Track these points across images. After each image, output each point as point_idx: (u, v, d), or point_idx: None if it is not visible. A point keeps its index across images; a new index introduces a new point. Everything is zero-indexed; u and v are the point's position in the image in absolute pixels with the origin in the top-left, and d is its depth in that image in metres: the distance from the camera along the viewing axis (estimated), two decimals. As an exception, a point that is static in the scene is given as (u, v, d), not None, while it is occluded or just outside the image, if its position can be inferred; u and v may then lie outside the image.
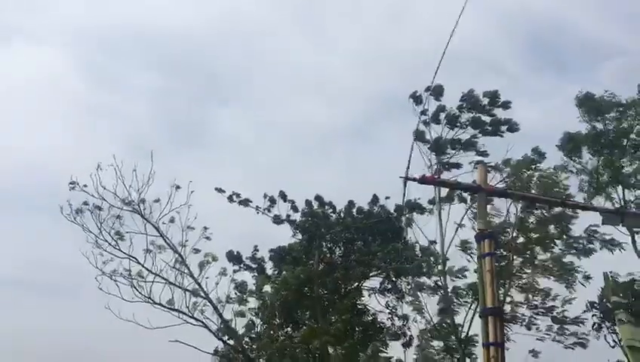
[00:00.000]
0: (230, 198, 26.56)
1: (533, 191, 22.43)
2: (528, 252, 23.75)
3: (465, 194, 23.51)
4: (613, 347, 22.07)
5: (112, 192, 25.12)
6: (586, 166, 25.66)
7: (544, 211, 23.39)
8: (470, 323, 23.61)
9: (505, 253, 23.28)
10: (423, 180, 11.53)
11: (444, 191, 24.40)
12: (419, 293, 25.13)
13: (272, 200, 26.46)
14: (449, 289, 24.44)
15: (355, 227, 26.13)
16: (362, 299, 25.96)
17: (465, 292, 23.98)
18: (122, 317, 23.72)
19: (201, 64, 63.83)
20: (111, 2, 61.68)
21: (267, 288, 26.25)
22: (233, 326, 25.61)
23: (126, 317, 23.72)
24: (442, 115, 25.40)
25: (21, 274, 42.60)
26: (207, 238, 25.52)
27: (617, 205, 24.15)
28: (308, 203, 26.57)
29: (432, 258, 25.08)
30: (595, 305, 23.26)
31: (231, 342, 25.90)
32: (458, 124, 25.25)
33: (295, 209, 26.59)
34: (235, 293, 26.18)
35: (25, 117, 52.41)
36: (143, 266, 25.15)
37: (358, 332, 25.22)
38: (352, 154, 52.80)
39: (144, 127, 55.50)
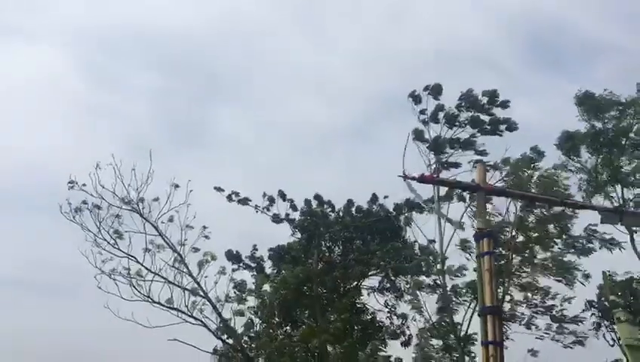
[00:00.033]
0: (229, 197, 26.56)
1: (533, 191, 22.43)
2: (527, 251, 23.75)
3: (464, 193, 23.51)
4: (612, 346, 22.14)
5: (111, 191, 25.13)
6: (585, 165, 25.67)
7: (544, 210, 23.40)
8: (469, 322, 23.65)
9: (504, 252, 23.29)
10: (422, 179, 11.54)
11: (443, 191, 24.40)
12: (418, 292, 25.14)
13: (271, 200, 26.46)
14: (448, 288, 24.45)
15: (354, 226, 26.13)
16: (361, 297, 25.97)
17: (464, 291, 24.00)
18: (121, 316, 23.74)
19: (201, 64, 63.98)
20: (111, 2, 61.81)
21: (266, 287, 26.26)
22: (232, 325, 25.63)
23: (125, 316, 23.75)
24: (441, 115, 25.40)
25: (21, 274, 42.80)
26: (206, 237, 25.53)
27: (616, 204, 24.17)
28: (307, 202, 26.57)
29: (431, 257, 25.08)
30: (594, 303, 23.31)
31: (230, 341, 25.89)
32: (457, 124, 25.27)
33: (294, 208, 26.60)
34: (234, 292, 26.19)
35: (25, 117, 52.59)
36: (142, 265, 25.14)
37: (357, 331, 25.21)
38: (352, 155, 52.92)
39: (144, 127, 55.62)
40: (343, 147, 57.08)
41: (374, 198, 26.29)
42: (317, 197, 26.63)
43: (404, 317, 25.24)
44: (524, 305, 23.61)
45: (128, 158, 25.36)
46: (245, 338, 26.09)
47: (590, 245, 23.36)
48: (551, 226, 23.85)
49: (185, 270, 25.45)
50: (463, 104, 25.28)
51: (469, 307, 23.75)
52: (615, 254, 23.35)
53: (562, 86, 60.40)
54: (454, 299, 24.44)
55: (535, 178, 24.06)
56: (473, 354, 23.71)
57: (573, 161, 25.71)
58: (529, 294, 23.55)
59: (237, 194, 26.65)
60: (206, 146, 56.01)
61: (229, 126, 60.05)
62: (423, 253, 25.36)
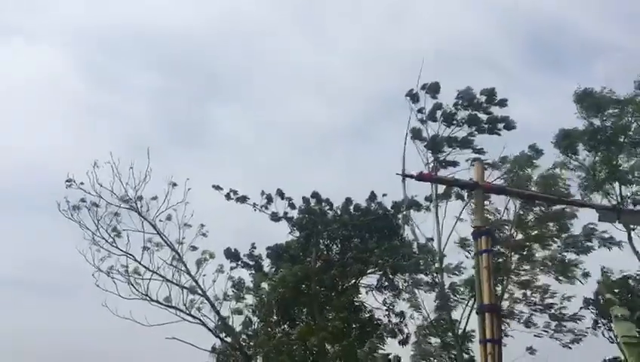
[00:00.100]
0: (227, 196, 26.55)
1: (532, 189, 22.46)
2: (526, 249, 23.79)
3: (462, 192, 23.54)
4: (612, 343, 22.21)
5: (109, 190, 25.14)
6: (583, 163, 25.70)
7: (543, 208, 23.43)
8: (467, 320, 23.68)
9: (503, 250, 23.32)
10: (421, 177, 11.56)
11: (442, 189, 24.42)
12: (416, 290, 25.17)
13: (269, 198, 26.46)
14: (446, 286, 24.48)
15: (353, 224, 26.11)
16: (359, 296, 25.98)
17: (462, 289, 24.03)
18: (119, 315, 23.77)
19: (201, 64, 63.97)
20: (111, 2, 61.71)
21: (264, 285, 26.28)
22: (230, 323, 25.65)
23: (123, 314, 23.78)
24: (439, 113, 25.41)
25: (21, 274, 42.81)
26: (204, 235, 25.55)
27: (614, 202, 24.21)
28: (305, 200, 26.57)
29: (429, 255, 25.09)
30: (591, 301, 23.37)
31: (228, 340, 25.91)
32: (454, 122, 25.26)
33: (292, 206, 26.59)
34: (233, 291, 26.20)
35: (25, 117, 52.57)
36: (140, 263, 25.17)
37: (356, 330, 25.23)
38: (352, 154, 52.93)
39: (144, 127, 55.57)
40: (343, 147, 57.13)
41: (373, 196, 26.29)
42: (315, 195, 26.61)
43: (402, 315, 25.28)
44: (523, 303, 23.66)
45: (129, 158, 25.33)
46: (243, 336, 26.11)
47: (589, 243, 23.40)
48: (550, 224, 23.88)
49: (183, 268, 25.50)
50: (460, 102, 25.27)
51: (467, 305, 23.79)
52: (614, 252, 23.42)
53: (562, 85, 60.56)
54: (452, 296, 24.48)
55: (534, 176, 24.10)
56: (471, 352, 23.76)
57: (571, 158, 25.73)
58: (528, 292, 23.60)
59: (235, 192, 26.65)
60: (206, 146, 56.04)
61: (229, 126, 60.07)
62: (421, 251, 25.38)
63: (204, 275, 25.43)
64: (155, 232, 25.50)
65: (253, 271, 26.94)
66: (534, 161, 24.40)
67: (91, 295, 24.55)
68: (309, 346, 24.53)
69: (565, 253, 23.64)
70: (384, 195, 26.14)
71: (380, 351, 25.08)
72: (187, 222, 25.32)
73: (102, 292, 24.19)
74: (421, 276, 25.33)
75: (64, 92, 57.81)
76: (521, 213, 23.84)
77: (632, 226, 22.52)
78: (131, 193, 25.39)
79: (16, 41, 61.54)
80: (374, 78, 57.66)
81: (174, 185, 25.25)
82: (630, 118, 25.17)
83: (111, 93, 59.04)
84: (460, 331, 24.00)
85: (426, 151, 25.39)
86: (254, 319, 26.10)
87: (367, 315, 25.67)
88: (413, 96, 25.46)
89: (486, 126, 25.11)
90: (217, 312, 25.40)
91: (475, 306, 12.56)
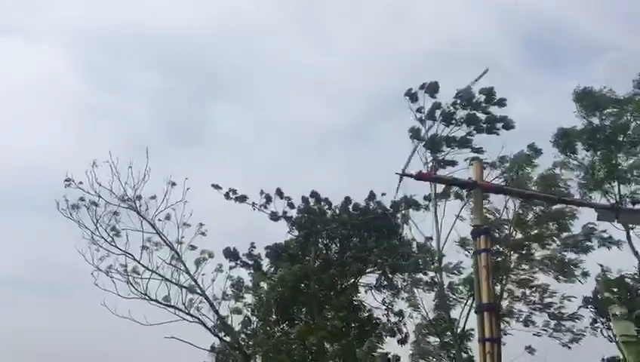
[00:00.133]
0: (227, 195, 26.55)
1: (532, 188, 22.47)
2: (525, 248, 23.80)
3: (461, 191, 23.55)
4: (610, 342, 22.23)
5: (108, 189, 25.14)
6: (582, 162, 25.71)
7: (542, 208, 23.45)
8: (466, 318, 23.70)
9: (502, 249, 23.34)
10: (420, 176, 11.59)
11: (440, 188, 24.43)
12: (415, 289, 25.19)
13: (268, 198, 26.46)
14: (445, 286, 24.49)
15: (352, 223, 26.13)
16: (358, 295, 26.01)
17: (461, 288, 24.03)
18: (118, 314, 23.78)
19: (201, 64, 63.93)
20: (111, 2, 61.67)
21: (263, 285, 26.29)
22: (229, 322, 25.64)
23: (122, 314, 23.79)
24: (438, 112, 25.42)
25: (21, 274, 42.89)
26: (203, 234, 25.53)
27: (613, 201, 24.21)
28: (304, 199, 26.57)
29: (428, 254, 25.09)
30: (591, 300, 23.40)
31: (227, 339, 25.92)
32: (453, 121, 25.27)
33: (291, 206, 26.59)
34: (232, 290, 26.19)
35: (25, 117, 52.59)
36: (139, 263, 25.17)
37: (355, 329, 25.26)
38: (352, 154, 52.95)
39: (144, 127, 55.56)
40: (343, 146, 57.17)
41: (372, 196, 26.30)
42: (314, 194, 26.61)
43: (401, 314, 25.30)
44: (522, 302, 23.68)
45: (129, 158, 25.38)
46: (242, 335, 26.11)
47: (589, 243, 23.40)
48: (550, 224, 23.88)
49: (182, 268, 25.49)
50: (458, 102, 25.28)
51: (465, 303, 23.81)
52: (613, 251, 23.43)
53: (561, 85, 60.61)
54: (451, 295, 24.49)
55: (533, 175, 24.10)
56: (470, 352, 23.78)
57: (570, 158, 25.75)
58: (527, 291, 23.62)
59: (234, 191, 26.64)
60: (205, 146, 56.08)
61: (229, 125, 60.09)
62: (420, 250, 25.39)
63: (203, 274, 25.45)
64: (154, 232, 25.51)
65: (252, 271, 26.94)
66: (533, 161, 24.41)
67: (91, 294, 24.61)
68: (308, 345, 24.56)
69: (565, 253, 23.65)
70: (383, 195, 26.16)
71: (379, 350, 25.12)
72: (186, 221, 25.33)
73: (101, 291, 24.24)
74: (420, 275, 25.34)
75: (64, 92, 57.84)
76: (521, 212, 23.85)
77: (630, 225, 22.53)
78: (130, 192, 25.42)
79: (16, 41, 61.53)
80: (374, 78, 57.75)
81: (173, 184, 25.25)
82: (629, 117, 25.18)
83: (111, 93, 59.13)
84: (459, 330, 24.02)
85: (424, 151, 25.43)
86: (253, 318, 26.12)
87: (366, 314, 25.69)
88: (412, 96, 25.47)
89: (485, 125, 25.12)
90: (216, 311, 25.41)
91: (474, 305, 12.58)
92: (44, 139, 52.26)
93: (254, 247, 27.15)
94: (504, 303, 23.10)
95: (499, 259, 22.59)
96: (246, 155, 53.52)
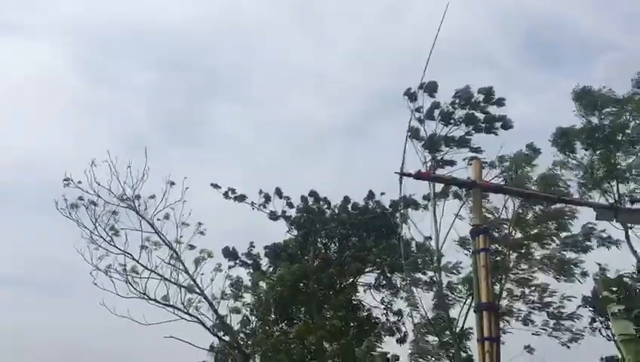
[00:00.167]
0: (226, 194, 26.58)
1: (533, 188, 22.44)
2: (524, 247, 23.78)
3: (460, 191, 23.53)
4: (609, 341, 22.23)
5: (107, 188, 25.17)
6: (581, 161, 25.71)
7: (542, 207, 23.42)
8: (465, 318, 23.67)
9: (501, 248, 23.32)
10: (419, 176, 11.55)
11: (439, 188, 24.41)
12: (414, 289, 25.16)
13: (267, 197, 26.49)
14: (444, 285, 24.47)
15: (351, 223, 26.16)
16: (357, 294, 26.05)
17: (459, 287, 24.00)
18: (117, 314, 23.84)
19: (201, 63, 63.97)
20: (111, 1, 61.66)
21: (262, 284, 26.30)
22: (228, 322, 25.68)
23: (121, 313, 23.84)
24: (436, 112, 25.39)
25: (21, 273, 43.08)
26: (202, 233, 25.61)
27: (612, 200, 24.21)
28: (303, 199, 26.59)
29: (426, 254, 25.08)
30: (590, 299, 23.39)
31: (226, 338, 25.95)
32: (452, 121, 25.25)
33: (290, 205, 26.63)
34: (231, 290, 26.22)
35: (25, 116, 52.74)
36: (138, 262, 25.22)
37: (353, 328, 25.30)
38: (351, 153, 53.01)
39: (143, 126, 55.64)
40: (342, 146, 57.21)
41: (370, 195, 26.33)
42: (313, 194, 26.65)
43: (399, 313, 25.31)
44: (521, 301, 23.66)
45: (128, 157, 25.51)
46: (241, 335, 26.16)
47: (588, 243, 23.38)
48: (549, 223, 23.86)
49: (181, 267, 25.54)
50: (457, 101, 25.26)
51: (464, 303, 23.79)
52: (612, 251, 23.39)
53: (560, 84, 60.64)
54: (450, 294, 24.46)
55: (532, 175, 24.07)
56: (469, 351, 23.77)
57: (569, 157, 25.74)
58: (526, 290, 23.60)
59: (233, 191, 26.70)
60: (205, 145, 56.17)
61: (228, 125, 60.15)
62: (419, 250, 25.39)
63: (202, 274, 25.55)
64: (153, 231, 25.60)
65: (252, 270, 26.99)
66: (532, 161, 24.38)
67: (91, 293, 24.68)
68: (307, 345, 24.58)
69: (564, 252, 23.63)
70: (382, 194, 26.23)
71: (378, 350, 25.10)
72: (185, 221, 25.41)
73: (101, 290, 24.31)
74: (419, 275, 25.33)
75: (63, 91, 57.91)
76: (520, 211, 23.83)
77: (629, 225, 22.54)
78: (129, 192, 25.47)
79: (17, 40, 61.57)
80: (373, 77, 57.85)
81: (172, 184, 25.33)
82: (628, 117, 25.17)
83: (111, 91, 59.22)
84: (458, 329, 24.01)
85: (423, 151, 25.40)
86: (252, 318, 26.17)
87: (365, 314, 25.73)
88: (411, 95, 25.46)
89: (483, 125, 25.11)
90: (215, 311, 25.45)
91: (473, 304, 12.57)
92: (44, 139, 52.60)
93: (253, 247, 27.25)
94: (503, 302, 23.09)
95: (498, 258, 22.57)
96: (245, 155, 53.66)
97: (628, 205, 23.78)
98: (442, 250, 24.46)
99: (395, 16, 61.56)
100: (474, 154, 24.52)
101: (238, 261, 26.93)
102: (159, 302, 25.03)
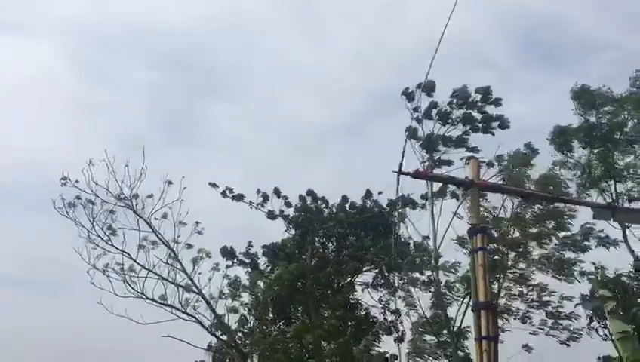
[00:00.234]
0: (224, 193, 26.57)
1: (532, 187, 22.46)
2: (522, 246, 23.80)
3: (457, 191, 23.55)
4: (605, 340, 22.25)
5: (105, 188, 25.16)
6: (579, 160, 25.72)
7: (541, 207, 23.44)
8: (463, 317, 23.69)
9: (499, 247, 23.34)
10: (416, 175, 11.57)
11: (437, 187, 24.43)
12: (411, 288, 25.18)
13: (265, 196, 26.50)
14: (442, 284, 24.48)
15: (348, 222, 26.17)
16: (355, 293, 26.04)
17: (457, 286, 24.01)
18: (115, 313, 23.83)
19: (200, 63, 63.92)
20: (111, 1, 61.59)
21: (260, 283, 26.30)
22: (226, 321, 25.67)
23: (119, 312, 23.83)
24: (434, 112, 25.40)
25: (21, 273, 43.09)
26: (199, 233, 25.59)
27: (610, 199, 24.22)
28: (301, 198, 26.60)
29: (424, 253, 25.09)
30: (588, 298, 23.40)
31: (224, 338, 25.94)
32: (449, 121, 25.26)
33: (288, 204, 26.63)
34: (229, 289, 26.22)
35: (25, 116, 52.76)
36: (135, 261, 25.20)
37: (351, 327, 25.29)
38: (352, 153, 52.98)
39: (143, 126, 55.64)
40: (343, 146, 57.21)
41: (368, 194, 26.34)
42: (310, 193, 26.66)
43: (397, 312, 25.30)
44: (520, 300, 23.68)
45: (129, 157, 25.53)
46: (239, 334, 26.15)
47: (587, 243, 23.40)
48: (547, 223, 23.88)
49: (179, 266, 25.53)
50: (455, 101, 25.27)
51: (462, 302, 23.81)
52: (610, 250, 23.41)
53: (558, 83, 60.73)
54: (448, 293, 24.47)
55: (530, 174, 24.09)
56: (467, 350, 23.78)
57: (567, 156, 25.77)
58: (524, 289, 23.62)
59: (231, 190, 26.69)
60: (205, 145, 56.17)
61: (227, 125, 60.14)
62: (417, 249, 25.41)
63: (199, 273, 25.53)
64: (151, 230, 25.57)
65: (249, 270, 26.98)
66: (531, 160, 24.40)
67: (90, 292, 24.65)
68: (305, 344, 24.58)
69: (563, 252, 23.66)
70: (380, 193, 26.24)
71: (376, 349, 25.13)
72: (183, 220, 25.39)
73: (100, 290, 24.29)
74: (417, 274, 25.34)
75: (63, 91, 57.84)
76: (519, 211, 23.85)
77: (626, 224, 22.57)
78: (127, 191, 25.45)
79: (16, 40, 61.50)
80: (372, 77, 57.86)
81: (170, 183, 25.30)
82: (626, 116, 25.20)
83: (110, 91, 59.14)
84: (456, 328, 24.02)
85: (421, 150, 25.41)
86: (250, 317, 26.16)
87: (363, 313, 25.73)
88: (409, 95, 25.46)
89: (480, 125, 25.12)
90: (213, 310, 25.46)
91: (471, 303, 12.58)
92: (44, 138, 52.59)
93: (251, 246, 27.26)
94: (501, 301, 23.13)
95: (496, 257, 22.59)
96: (245, 155, 53.59)
97: (626, 204, 23.80)
98: (440, 249, 24.51)
99: (395, 16, 61.57)
100: (471, 154, 24.53)
101: (235, 260, 26.93)
102: (157, 302, 25.03)
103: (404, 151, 11.06)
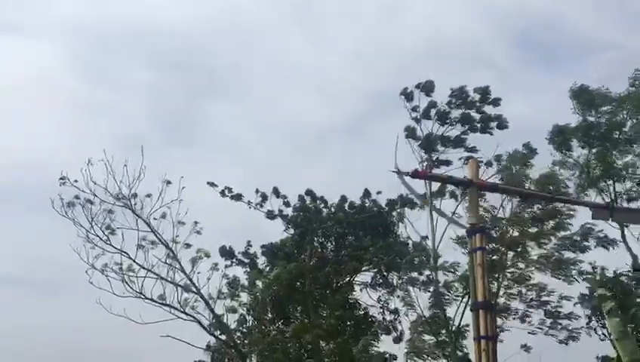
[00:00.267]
0: (222, 193, 26.58)
1: (531, 187, 22.46)
2: (520, 246, 23.80)
3: (456, 191, 23.55)
4: (602, 340, 22.28)
5: (103, 187, 25.16)
6: (577, 160, 25.74)
7: (540, 207, 23.44)
8: (461, 316, 23.70)
9: (498, 247, 23.34)
10: (415, 174, 11.56)
11: (435, 187, 24.42)
12: (410, 288, 25.18)
13: (264, 196, 26.51)
14: (440, 283, 24.49)
15: (347, 222, 26.18)
16: (354, 293, 26.05)
17: (456, 286, 24.01)
18: (114, 313, 23.85)
19: (200, 63, 63.80)
20: (111, 1, 61.48)
21: (259, 283, 26.32)
22: (225, 321, 25.67)
23: (118, 312, 23.84)
24: (433, 112, 25.40)
25: (21, 273, 42.96)
26: (198, 233, 25.60)
27: (608, 199, 24.25)
28: (300, 198, 26.61)
29: (423, 253, 25.09)
30: (586, 297, 23.43)
31: (223, 337, 25.95)
32: (448, 121, 25.26)
33: (287, 204, 26.64)
34: (227, 289, 26.23)
35: (25, 116, 52.40)
36: (134, 261, 25.21)
37: (350, 327, 25.31)
38: (352, 153, 52.87)
39: (142, 126, 55.47)
40: (343, 146, 57.11)
41: (367, 194, 26.34)
42: (309, 193, 26.67)
43: (396, 312, 25.32)
44: (518, 300, 23.69)
45: (128, 157, 25.51)
46: (238, 334, 26.16)
47: (586, 243, 23.40)
48: (546, 223, 23.89)
49: (177, 266, 25.54)
50: (453, 101, 25.27)
51: (461, 301, 23.82)
52: (610, 250, 23.42)
53: (556, 83, 60.67)
54: (447, 293, 24.47)
55: (530, 174, 24.09)
56: (466, 350, 23.79)
57: (566, 155, 25.79)
58: (523, 289, 23.63)
59: (230, 189, 26.69)
60: (205, 145, 56.06)
61: (227, 124, 60.01)
62: (416, 249, 25.41)
63: (198, 273, 25.54)
64: (150, 230, 25.57)
65: (248, 269, 26.99)
66: (529, 160, 24.41)
67: (90, 292, 24.65)
68: (304, 344, 24.60)
69: (562, 252, 23.66)
70: (379, 193, 26.23)
71: (374, 349, 25.13)
72: (181, 219, 25.39)
73: (99, 290, 24.31)
74: (415, 274, 25.34)
75: (63, 91, 57.71)
76: (518, 210, 23.86)
77: (625, 224, 22.59)
78: (125, 191, 25.45)
79: (16, 40, 61.39)
80: (372, 77, 57.77)
81: (169, 183, 25.30)
82: (625, 115, 25.22)
83: (110, 91, 58.87)
84: (454, 328, 24.03)
85: (419, 150, 25.41)
86: (249, 317, 26.18)
87: (362, 313, 25.75)
88: (408, 95, 25.46)
89: (479, 125, 25.13)
90: (212, 310, 25.46)
91: (470, 303, 12.59)
92: (44, 138, 52.25)
93: (250, 246, 27.28)
94: (500, 301, 23.13)
95: (495, 257, 22.60)
96: (245, 155, 53.49)
97: (624, 204, 23.83)
98: (439, 249, 24.51)
99: (395, 16, 61.51)
100: (470, 154, 24.52)
101: (234, 260, 26.95)
102: (156, 301, 25.05)
103: (396, 150, 11.04)
